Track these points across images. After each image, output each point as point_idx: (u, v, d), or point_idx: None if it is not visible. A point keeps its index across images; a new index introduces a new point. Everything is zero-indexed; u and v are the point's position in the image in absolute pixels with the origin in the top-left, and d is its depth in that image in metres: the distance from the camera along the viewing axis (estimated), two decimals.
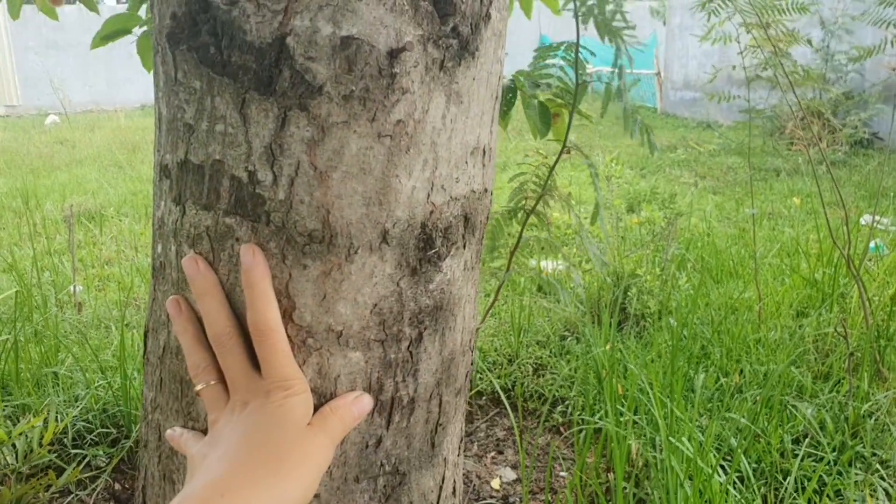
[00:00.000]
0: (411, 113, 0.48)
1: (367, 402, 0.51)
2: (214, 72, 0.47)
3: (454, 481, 0.59)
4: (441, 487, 0.57)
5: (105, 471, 1.60)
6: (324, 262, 0.47)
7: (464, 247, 0.54)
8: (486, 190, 0.56)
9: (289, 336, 0.49)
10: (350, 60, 0.46)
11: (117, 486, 1.61)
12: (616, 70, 1.53)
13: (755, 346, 2.53)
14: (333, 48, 0.46)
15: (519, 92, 1.49)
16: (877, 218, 3.78)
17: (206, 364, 0.51)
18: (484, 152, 0.54)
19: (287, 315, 0.48)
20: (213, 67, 0.47)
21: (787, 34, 2.30)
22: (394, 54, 0.46)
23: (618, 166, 5.63)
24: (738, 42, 2.45)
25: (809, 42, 2.39)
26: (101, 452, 1.67)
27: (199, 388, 0.51)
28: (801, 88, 2.43)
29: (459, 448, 0.59)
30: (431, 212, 0.50)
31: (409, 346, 0.51)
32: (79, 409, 1.81)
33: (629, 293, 3.01)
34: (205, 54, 0.47)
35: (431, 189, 0.50)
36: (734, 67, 2.64)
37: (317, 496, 0.50)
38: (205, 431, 0.52)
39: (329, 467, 0.50)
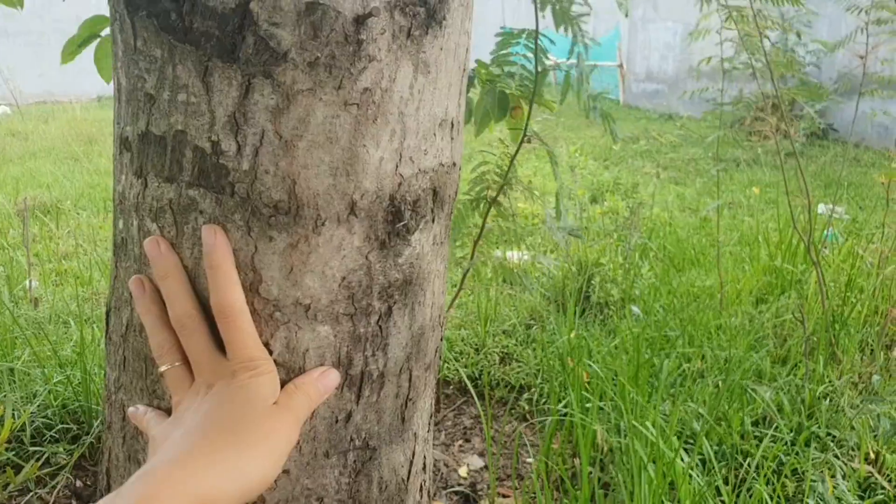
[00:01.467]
0: (378, 81, 0.47)
1: (333, 377, 0.50)
2: (176, 39, 0.46)
3: (424, 456, 0.59)
4: (412, 462, 0.56)
5: (65, 467, 1.56)
6: (290, 234, 0.47)
7: (433, 221, 0.53)
8: (454, 164, 0.55)
9: (255, 310, 0.48)
10: (315, 26, 0.45)
11: (78, 483, 1.57)
12: (575, 58, 1.54)
13: (716, 333, 2.58)
14: (298, 14, 0.45)
15: (477, 80, 1.49)
16: (832, 207, 3.88)
17: (170, 345, 0.50)
18: (452, 125, 0.54)
19: (253, 288, 0.47)
20: (175, 34, 0.46)
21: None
22: (360, 20, 0.46)
23: (581, 157, 5.68)
24: (720, 34, 2.48)
25: (767, 37, 2.43)
26: (61, 449, 1.63)
27: (162, 369, 0.50)
28: (760, 81, 2.47)
29: (429, 424, 0.59)
30: (400, 184, 0.50)
31: (378, 321, 0.51)
32: (36, 405, 1.76)
33: (593, 282, 3.04)
34: (165, 21, 0.46)
35: (399, 160, 0.49)
36: (709, 60, 2.67)
37: (286, 472, 0.50)
38: (169, 411, 0.51)
39: (298, 442, 0.50)
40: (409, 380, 0.54)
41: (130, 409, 0.52)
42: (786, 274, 2.87)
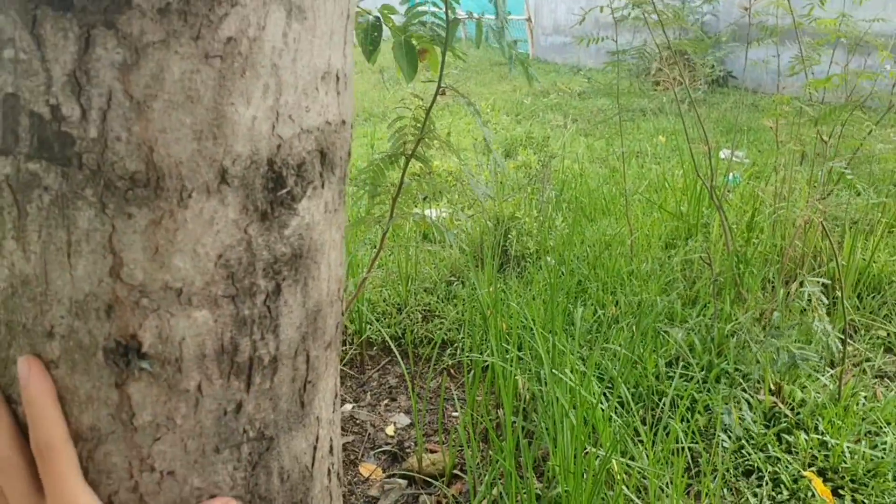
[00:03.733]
0: (244, 29, 0.41)
1: None
2: None
3: (330, 439, 0.55)
4: (315, 448, 0.52)
5: None
6: (152, 209, 0.41)
7: (322, 186, 0.48)
8: (343, 121, 0.50)
9: (119, 298, 0.42)
10: None
11: None
12: (494, 8, 1.48)
13: (629, 279, 2.65)
14: None
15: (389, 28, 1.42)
16: (733, 151, 4.03)
17: None
18: (338, 78, 0.49)
19: (114, 274, 0.41)
20: None
21: None
22: None
23: (493, 113, 5.67)
24: None
25: None
26: None
27: None
28: (654, 33, 2.51)
29: (334, 404, 0.55)
30: (279, 146, 0.44)
31: (265, 301, 0.46)
32: None
33: (509, 236, 3.06)
34: None
35: (277, 119, 0.44)
36: (601, 9, 2.68)
37: (171, 473, 0.44)
38: None
39: (183, 439, 0.44)
40: (307, 361, 0.49)
41: None
42: (692, 219, 2.97)
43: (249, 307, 0.45)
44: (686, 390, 1.96)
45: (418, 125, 1.66)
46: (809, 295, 1.77)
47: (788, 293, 2.12)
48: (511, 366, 1.95)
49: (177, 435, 0.45)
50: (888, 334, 2.20)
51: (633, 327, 2.22)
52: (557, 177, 3.81)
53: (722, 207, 2.37)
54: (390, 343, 2.26)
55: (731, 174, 3.39)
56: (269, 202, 0.45)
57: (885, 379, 2.05)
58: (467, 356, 2.25)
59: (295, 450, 0.51)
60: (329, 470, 0.55)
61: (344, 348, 2.49)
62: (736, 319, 2.21)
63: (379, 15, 1.33)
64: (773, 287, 2.42)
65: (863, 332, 2.27)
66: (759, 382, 2.01)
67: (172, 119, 0.40)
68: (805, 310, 2.07)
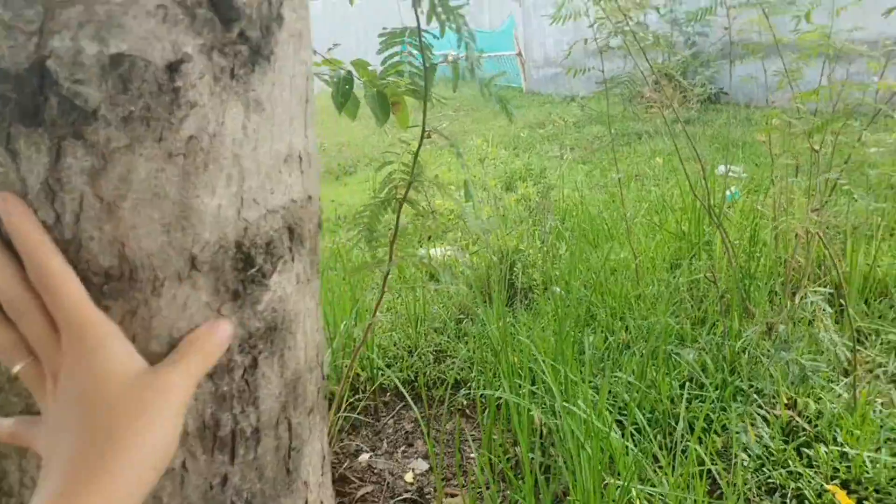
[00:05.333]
0: (204, 127, 0.44)
1: (224, 327, 0.46)
2: None
3: (322, 501, 0.56)
4: None
5: None
6: (127, 300, 0.43)
7: (293, 259, 0.51)
8: (309, 197, 0.53)
9: None
10: (124, 79, 0.42)
11: None
12: (464, 50, 1.53)
13: (636, 302, 2.65)
14: (103, 68, 0.42)
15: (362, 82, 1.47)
16: (730, 167, 4.05)
17: (13, 341, 0.45)
18: (300, 158, 0.52)
19: None
20: None
21: (636, 2, 2.41)
22: (173, 67, 0.43)
23: (491, 148, 5.74)
24: (588, 16, 2.54)
25: (657, 9, 2.51)
26: None
27: (14, 370, 0.45)
28: (652, 53, 2.56)
29: (323, 467, 0.57)
30: (246, 228, 0.47)
31: (243, 375, 0.48)
32: None
33: (515, 269, 3.08)
34: None
35: (242, 204, 0.47)
36: (586, 41, 2.73)
37: None
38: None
39: None
40: (290, 429, 0.51)
41: (1, 427, 0.47)
42: (694, 238, 2.98)
43: (228, 383, 0.48)
44: (702, 411, 1.95)
45: (407, 169, 1.70)
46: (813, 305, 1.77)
47: (793, 305, 2.11)
48: (525, 400, 1.95)
49: None
50: None
51: (644, 351, 2.22)
52: (559, 206, 3.84)
53: (722, 225, 2.38)
54: (402, 389, 2.27)
55: (729, 190, 3.40)
56: (241, 281, 0.47)
57: None
58: (481, 396, 2.26)
59: None
60: None
61: (357, 396, 2.51)
62: (745, 336, 2.21)
63: (351, 69, 1.38)
64: (781, 299, 2.42)
65: (873, 337, 2.25)
66: (774, 397, 1.99)
67: (141, 216, 0.43)
68: (812, 321, 2.06)
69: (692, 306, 2.61)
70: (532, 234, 3.20)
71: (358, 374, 2.57)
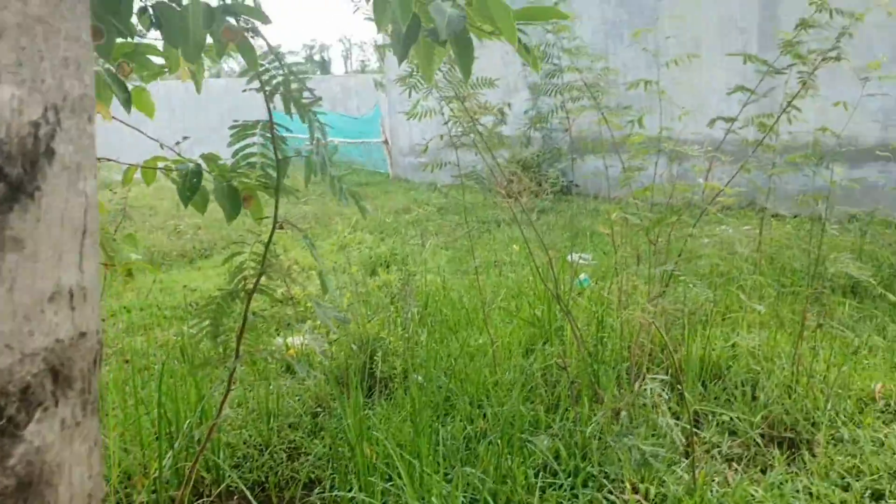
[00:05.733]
0: None
1: None
2: None
3: None
4: None
5: None
6: None
7: (56, 404, 0.46)
8: (83, 334, 0.49)
9: None
10: None
11: None
12: (314, 143, 1.53)
13: (493, 389, 2.67)
14: None
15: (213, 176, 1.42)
16: (580, 255, 4.30)
17: None
18: (72, 294, 0.47)
19: None
20: None
21: (481, 106, 2.56)
22: None
23: (356, 234, 5.75)
24: (443, 114, 2.66)
25: (501, 112, 2.67)
26: None
27: None
28: (502, 149, 2.70)
29: None
30: None
31: None
32: None
33: (375, 357, 3.02)
34: None
35: None
36: (441, 137, 2.85)
37: None
38: None
39: None
40: None
41: None
42: (546, 324, 3.08)
43: None
44: (555, 500, 1.96)
45: (259, 258, 1.64)
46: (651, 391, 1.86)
47: (634, 391, 2.21)
48: (377, 501, 1.87)
49: None
50: (731, 418, 2.34)
51: (498, 440, 2.21)
52: (421, 291, 3.86)
53: (570, 312, 2.48)
54: (248, 494, 2.10)
55: (579, 277, 3.58)
56: None
57: (733, 462, 2.15)
58: (333, 496, 2.14)
59: None
60: None
61: (201, 501, 2.30)
62: (595, 420, 2.27)
63: (200, 161, 1.33)
64: (629, 383, 2.52)
65: (710, 417, 2.39)
66: (622, 482, 2.04)
67: None
68: (654, 405, 2.16)
69: (546, 391, 2.66)
70: (394, 321, 3.18)
71: (202, 477, 2.37)
